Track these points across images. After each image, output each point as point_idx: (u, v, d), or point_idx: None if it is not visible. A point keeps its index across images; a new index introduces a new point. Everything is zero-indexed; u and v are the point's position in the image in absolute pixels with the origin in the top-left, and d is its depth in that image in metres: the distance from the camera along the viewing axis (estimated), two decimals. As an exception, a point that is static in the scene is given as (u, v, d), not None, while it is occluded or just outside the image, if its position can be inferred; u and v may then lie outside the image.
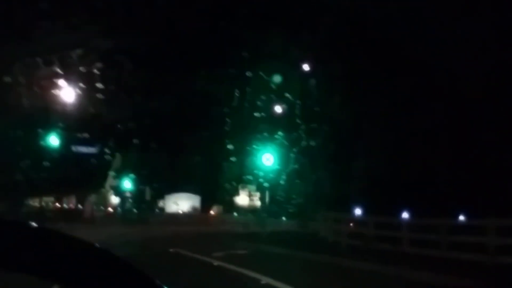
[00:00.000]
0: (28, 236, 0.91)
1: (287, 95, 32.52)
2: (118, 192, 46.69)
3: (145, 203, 45.26)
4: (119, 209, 47.21)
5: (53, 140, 29.47)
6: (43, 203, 50.57)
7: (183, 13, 23.11)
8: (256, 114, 33.60)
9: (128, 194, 45.49)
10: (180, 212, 47.10)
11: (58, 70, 18.94)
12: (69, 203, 51.04)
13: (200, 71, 30.07)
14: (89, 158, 41.26)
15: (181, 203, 47.89)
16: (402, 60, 25.26)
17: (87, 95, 24.75)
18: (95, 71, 21.74)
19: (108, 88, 25.06)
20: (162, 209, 47.99)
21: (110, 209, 47.34)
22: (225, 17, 25.14)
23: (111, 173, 47.60)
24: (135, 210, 45.70)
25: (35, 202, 49.85)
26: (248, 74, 31.08)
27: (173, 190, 47.40)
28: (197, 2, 23.26)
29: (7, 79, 18.90)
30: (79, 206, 47.32)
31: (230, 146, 37.56)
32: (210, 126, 37.25)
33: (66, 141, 32.91)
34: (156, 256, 17.02)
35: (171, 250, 19.46)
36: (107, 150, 41.58)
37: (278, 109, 33.90)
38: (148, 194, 45.22)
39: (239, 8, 24.99)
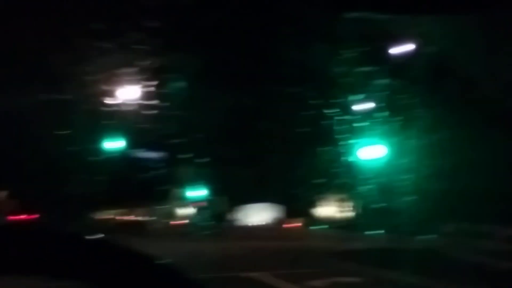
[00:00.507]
0: (82, 248, 0.90)
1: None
2: (188, 202, 41.83)
3: (218, 215, 39.98)
4: (189, 221, 42.23)
5: (112, 144, 28.84)
6: (108, 216, 47.84)
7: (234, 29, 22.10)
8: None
9: (199, 205, 40.54)
10: (259, 224, 41.19)
11: (108, 88, 19.95)
12: (136, 215, 47.09)
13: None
14: (155, 165, 37.30)
15: (260, 214, 41.95)
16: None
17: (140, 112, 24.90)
18: (148, 88, 22.06)
19: (163, 104, 24.91)
20: (237, 222, 42.28)
21: (179, 221, 42.45)
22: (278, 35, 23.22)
23: (180, 182, 42.83)
24: (207, 223, 40.64)
25: (100, 215, 46.69)
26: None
27: (251, 200, 41.57)
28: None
29: (64, 96, 20.23)
30: (146, 218, 44.07)
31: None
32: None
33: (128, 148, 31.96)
34: (231, 283, 12.79)
35: (250, 274, 14.03)
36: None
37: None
38: (222, 205, 39.83)
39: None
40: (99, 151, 28.73)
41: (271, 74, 27.09)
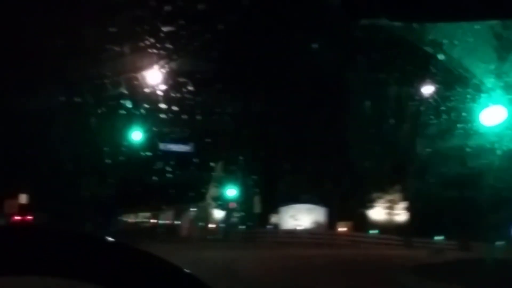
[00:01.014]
0: (100, 251, 0.90)
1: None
2: (221, 203, 37.93)
3: (254, 218, 35.86)
4: (222, 225, 38.30)
5: (137, 135, 26.64)
6: (137, 219, 47.21)
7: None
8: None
9: (232, 206, 36.53)
10: (300, 229, 36.69)
11: (124, 91, 20.32)
12: (166, 218, 44.18)
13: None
14: (185, 163, 33.99)
15: (300, 218, 37.46)
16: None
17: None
18: (160, 92, 22.24)
19: (178, 107, 24.81)
20: (275, 225, 37.73)
21: (211, 225, 38.51)
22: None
23: (213, 183, 38.88)
24: (241, 227, 36.63)
25: (129, 218, 46.42)
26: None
27: (291, 200, 37.09)
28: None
29: (77, 99, 20.96)
30: (177, 221, 40.83)
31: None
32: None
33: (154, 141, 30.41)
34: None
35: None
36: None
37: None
38: (258, 206, 35.72)
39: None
40: (127, 150, 27.85)
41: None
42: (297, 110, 31.94)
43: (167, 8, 16.51)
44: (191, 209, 39.89)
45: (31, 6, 17.21)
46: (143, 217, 47.78)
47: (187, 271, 0.90)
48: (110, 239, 0.91)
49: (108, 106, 22.61)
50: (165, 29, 16.68)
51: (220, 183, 38.19)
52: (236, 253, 23.05)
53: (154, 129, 28.12)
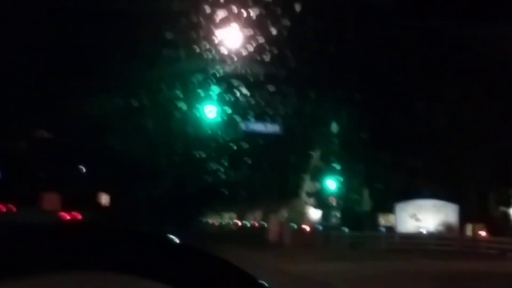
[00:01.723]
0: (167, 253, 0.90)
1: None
2: (319, 200, 30.87)
3: (360, 218, 28.26)
4: (319, 227, 31.44)
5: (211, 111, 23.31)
6: (221, 220, 44.63)
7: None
8: None
9: (332, 202, 29.39)
10: (424, 232, 28.26)
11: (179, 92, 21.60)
12: (253, 219, 39.91)
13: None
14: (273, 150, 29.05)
15: (424, 217, 29.05)
16: None
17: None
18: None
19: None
20: (389, 228, 29.61)
21: (306, 227, 31.55)
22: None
23: (309, 174, 31.89)
24: (345, 229, 29.26)
25: (212, 219, 44.20)
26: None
27: (409, 195, 28.85)
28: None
29: (134, 102, 22.17)
30: (265, 223, 34.91)
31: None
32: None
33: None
34: None
35: None
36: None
37: None
38: (367, 203, 28.03)
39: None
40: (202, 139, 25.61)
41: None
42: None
43: (221, 14, 17.39)
44: (281, 208, 33.61)
45: (92, 15, 18.59)
46: (227, 218, 44.04)
47: (262, 282, 0.87)
48: (177, 240, 0.89)
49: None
50: (218, 34, 17.88)
51: (318, 174, 31.33)
52: (342, 267, 16.61)
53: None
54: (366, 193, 27.76)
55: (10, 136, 28.17)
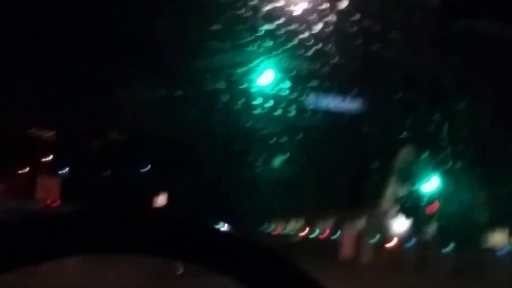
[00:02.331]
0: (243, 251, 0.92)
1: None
2: (409, 207, 24.20)
3: (471, 232, 20.87)
4: (409, 243, 25.06)
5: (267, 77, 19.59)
6: (285, 231, 38.51)
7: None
8: None
9: (431, 210, 22.71)
10: None
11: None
12: (323, 230, 34.04)
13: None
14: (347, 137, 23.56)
15: None
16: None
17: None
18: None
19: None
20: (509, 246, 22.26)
21: (391, 243, 25.55)
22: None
23: (396, 174, 25.59)
24: (446, 247, 22.23)
25: (274, 229, 38.23)
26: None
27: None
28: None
29: (178, 92, 22.01)
30: (335, 235, 29.91)
31: None
32: None
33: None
34: None
35: None
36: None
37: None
38: (482, 214, 20.65)
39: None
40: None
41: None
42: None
43: (267, 7, 17.41)
44: (358, 217, 27.96)
45: (137, 5, 18.72)
46: (292, 228, 38.70)
47: None
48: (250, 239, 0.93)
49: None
50: (265, 27, 17.75)
51: (408, 174, 24.51)
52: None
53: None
54: (483, 197, 20.21)
55: (86, 137, 28.78)
